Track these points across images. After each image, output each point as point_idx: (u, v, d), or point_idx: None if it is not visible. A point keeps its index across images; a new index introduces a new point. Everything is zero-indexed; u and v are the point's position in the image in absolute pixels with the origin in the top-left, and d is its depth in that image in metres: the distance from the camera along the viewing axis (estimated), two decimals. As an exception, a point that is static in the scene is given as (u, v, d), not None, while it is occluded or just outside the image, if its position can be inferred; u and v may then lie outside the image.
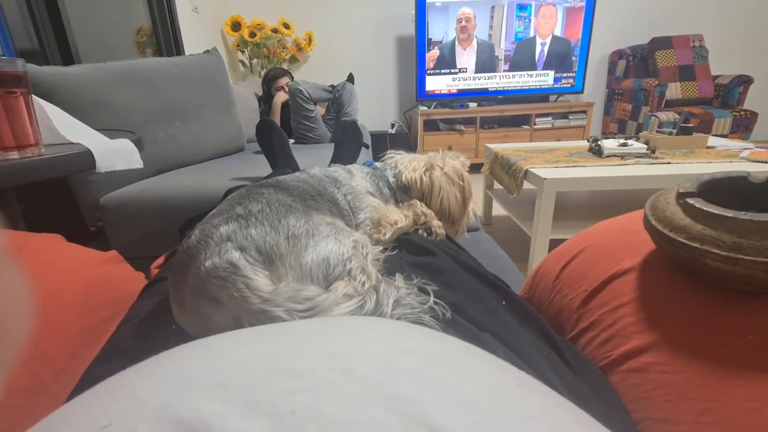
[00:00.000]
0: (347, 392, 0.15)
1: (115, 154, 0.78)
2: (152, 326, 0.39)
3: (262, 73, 2.97)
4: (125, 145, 0.81)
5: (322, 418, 0.14)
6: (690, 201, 0.32)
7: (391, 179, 0.60)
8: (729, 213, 0.29)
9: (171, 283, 0.36)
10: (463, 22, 2.89)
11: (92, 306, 0.48)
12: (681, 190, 0.34)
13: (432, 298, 0.33)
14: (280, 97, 2.21)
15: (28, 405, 0.35)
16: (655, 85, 2.77)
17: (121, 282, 0.56)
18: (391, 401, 0.15)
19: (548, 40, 2.96)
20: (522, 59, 2.99)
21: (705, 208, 0.31)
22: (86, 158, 0.72)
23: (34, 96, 0.69)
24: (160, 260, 0.65)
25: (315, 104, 2.05)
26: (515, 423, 0.15)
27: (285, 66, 3.07)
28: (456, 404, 0.15)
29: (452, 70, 2.99)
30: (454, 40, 2.92)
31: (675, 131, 1.60)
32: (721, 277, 0.31)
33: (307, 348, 0.19)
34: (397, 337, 0.21)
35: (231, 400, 0.15)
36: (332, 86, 2.13)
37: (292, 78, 2.36)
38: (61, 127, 0.77)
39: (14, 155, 0.63)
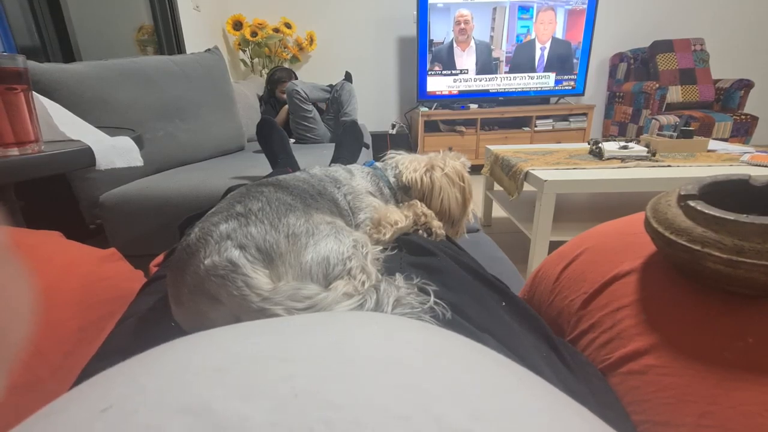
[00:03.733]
0: (350, 378, 0.15)
1: (115, 151, 0.78)
2: (151, 324, 0.39)
3: (264, 72, 2.98)
4: (125, 142, 0.81)
5: (324, 401, 0.14)
6: (691, 203, 0.32)
7: (392, 179, 0.60)
8: (730, 216, 0.29)
9: (170, 282, 0.35)
10: (462, 24, 2.89)
11: (90, 303, 0.48)
12: (682, 193, 0.34)
13: (432, 298, 0.33)
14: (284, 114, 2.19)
15: (23, 403, 0.35)
16: (656, 89, 2.77)
17: (119, 280, 0.55)
18: (394, 388, 0.15)
19: (547, 45, 2.97)
20: (522, 62, 3.00)
21: (706, 211, 0.31)
22: (86, 155, 0.72)
23: (34, 93, 0.69)
24: (159, 258, 0.65)
25: (313, 104, 2.04)
26: (517, 413, 0.15)
27: (286, 65, 3.08)
28: (458, 394, 0.15)
29: (453, 71, 2.99)
30: (452, 42, 2.92)
31: (675, 134, 1.60)
32: (721, 280, 0.31)
33: (308, 338, 0.19)
34: (399, 330, 0.21)
35: (232, 385, 0.14)
36: (330, 86, 2.12)
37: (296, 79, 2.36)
38: (62, 124, 0.77)
39: (14, 152, 0.63)
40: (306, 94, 1.97)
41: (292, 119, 2.05)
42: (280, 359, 0.16)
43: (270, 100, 2.38)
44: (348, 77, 2.19)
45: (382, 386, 0.15)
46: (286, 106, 2.17)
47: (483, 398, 0.15)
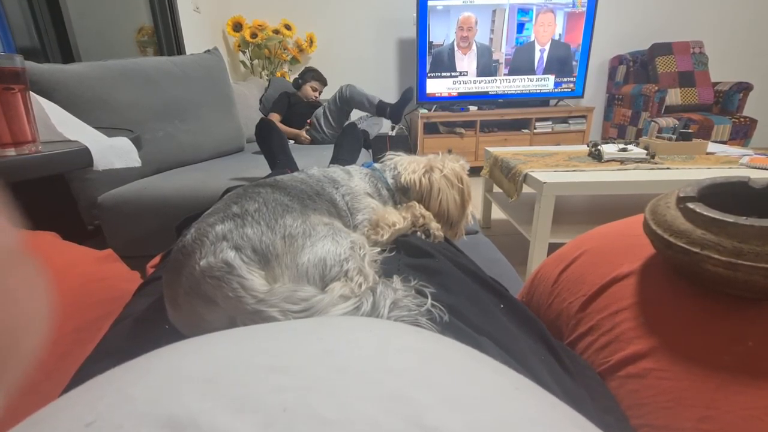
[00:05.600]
0: (341, 390, 0.15)
1: (113, 152, 0.77)
2: (146, 326, 0.38)
3: (263, 74, 2.98)
4: (123, 143, 0.81)
5: (314, 416, 0.13)
6: (690, 205, 0.32)
7: (390, 180, 0.59)
8: (730, 218, 0.29)
9: (165, 283, 0.35)
10: (465, 31, 2.89)
11: (86, 304, 0.48)
12: (681, 195, 0.34)
13: (429, 301, 0.33)
14: (303, 136, 2.17)
15: (17, 405, 0.34)
16: (655, 91, 2.78)
17: (115, 280, 0.55)
18: (385, 400, 0.14)
19: (547, 47, 2.97)
20: (521, 64, 3.00)
21: (705, 213, 0.31)
22: (84, 156, 0.71)
23: (32, 93, 0.69)
24: (156, 259, 0.65)
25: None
26: (512, 424, 0.15)
27: (286, 68, 3.08)
28: (452, 404, 0.15)
29: (452, 74, 3.00)
30: (453, 44, 2.93)
31: (674, 137, 1.60)
32: (721, 283, 0.30)
33: (300, 346, 0.19)
34: (394, 336, 0.21)
35: (221, 397, 0.14)
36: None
37: (325, 85, 2.41)
38: (59, 124, 0.76)
39: (11, 152, 0.63)
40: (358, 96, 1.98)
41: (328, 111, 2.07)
42: (271, 369, 0.16)
43: (297, 91, 2.37)
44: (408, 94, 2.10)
45: (374, 398, 0.14)
46: (302, 138, 2.15)
47: (479, 408, 0.15)
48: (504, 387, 0.18)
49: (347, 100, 2.02)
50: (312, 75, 2.35)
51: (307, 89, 2.32)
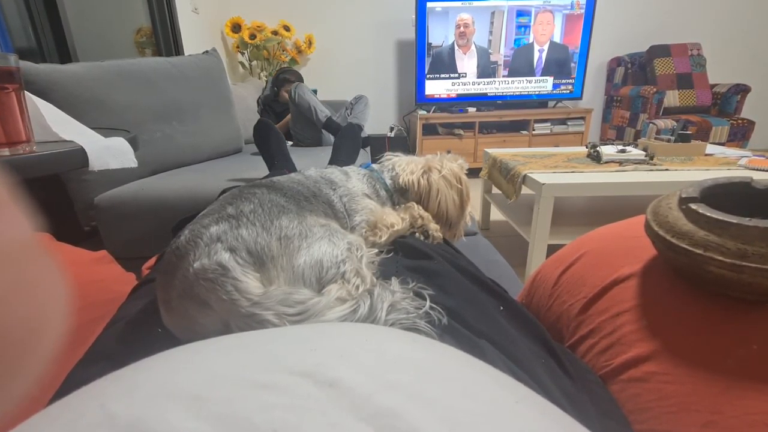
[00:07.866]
0: (332, 408, 0.14)
1: (109, 152, 0.77)
2: (139, 329, 0.38)
3: (262, 75, 2.97)
4: (119, 143, 0.80)
5: None
6: (693, 206, 0.32)
7: (388, 181, 0.59)
8: (733, 219, 0.29)
9: (159, 285, 0.34)
10: (462, 28, 2.90)
11: (80, 306, 0.47)
12: (683, 195, 0.34)
13: (428, 303, 0.32)
14: (283, 97, 2.19)
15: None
16: (653, 93, 2.78)
17: (110, 282, 0.54)
18: (379, 418, 0.14)
19: (546, 47, 2.98)
20: (520, 65, 3.00)
21: (708, 214, 0.30)
22: (79, 156, 0.71)
23: (27, 92, 0.68)
24: (152, 261, 0.64)
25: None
26: None
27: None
28: (450, 422, 0.14)
29: (452, 75, 3.00)
30: (453, 45, 2.93)
31: (673, 138, 1.60)
32: (724, 285, 0.30)
33: (292, 357, 0.18)
34: (390, 347, 0.20)
35: (208, 416, 0.14)
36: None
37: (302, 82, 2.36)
38: (54, 124, 0.76)
39: (5, 152, 0.62)
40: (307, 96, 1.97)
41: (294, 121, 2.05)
42: (260, 385, 0.15)
43: (270, 102, 2.36)
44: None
45: (367, 416, 0.14)
46: (289, 116, 2.16)
47: (477, 426, 0.14)
48: (504, 400, 0.17)
49: (297, 104, 1.99)
50: (284, 79, 2.31)
51: (284, 95, 2.28)
